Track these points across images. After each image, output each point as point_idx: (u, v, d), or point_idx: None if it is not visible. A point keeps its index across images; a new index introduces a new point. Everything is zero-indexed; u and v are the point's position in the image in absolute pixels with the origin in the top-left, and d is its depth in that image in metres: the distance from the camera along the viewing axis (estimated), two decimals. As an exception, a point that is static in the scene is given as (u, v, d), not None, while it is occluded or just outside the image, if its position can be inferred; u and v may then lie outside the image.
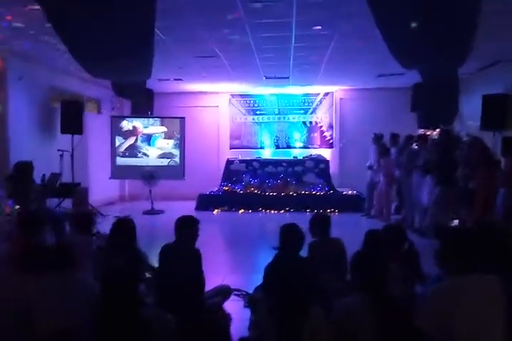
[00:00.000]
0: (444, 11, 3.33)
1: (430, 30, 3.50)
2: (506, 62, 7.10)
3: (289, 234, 3.00)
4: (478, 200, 5.41)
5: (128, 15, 3.59)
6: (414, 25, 3.44)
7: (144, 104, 9.83)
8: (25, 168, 5.70)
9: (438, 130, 8.09)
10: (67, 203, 6.89)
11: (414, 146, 7.33)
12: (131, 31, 3.81)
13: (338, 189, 9.60)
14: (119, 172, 9.69)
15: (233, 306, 3.36)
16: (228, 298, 3.23)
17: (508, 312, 1.92)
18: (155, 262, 3.33)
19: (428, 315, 1.90)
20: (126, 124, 9.76)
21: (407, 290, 2.58)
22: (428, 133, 8.26)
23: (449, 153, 6.09)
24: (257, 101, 10.93)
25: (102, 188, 9.41)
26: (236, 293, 3.68)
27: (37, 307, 2.38)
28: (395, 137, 7.97)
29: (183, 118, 9.83)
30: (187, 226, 3.10)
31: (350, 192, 9.46)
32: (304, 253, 3.13)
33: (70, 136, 7.78)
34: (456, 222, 5.96)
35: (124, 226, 3.24)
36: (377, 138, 8.25)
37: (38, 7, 4.01)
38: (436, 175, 6.15)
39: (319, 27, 5.31)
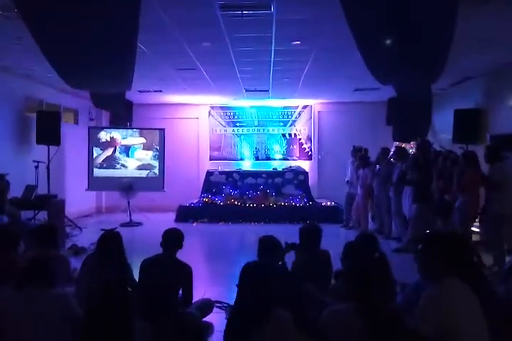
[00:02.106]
0: (419, 30, 3.49)
1: (405, 48, 3.64)
2: (477, 78, 7.40)
3: (267, 246, 3.05)
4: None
5: (110, 27, 3.61)
6: (390, 42, 3.58)
7: (123, 115, 9.76)
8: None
9: (413, 143, 8.32)
10: (43, 215, 6.73)
11: (391, 160, 7.50)
12: (113, 43, 3.82)
13: (316, 200, 9.70)
14: (96, 184, 9.54)
15: (215, 318, 3.35)
16: (211, 311, 3.22)
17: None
18: (135, 275, 3.31)
19: (428, 318, 1.97)
20: (104, 135, 9.66)
21: (389, 297, 2.65)
22: (403, 145, 8.47)
23: (425, 168, 6.23)
24: (237, 113, 11.01)
25: (78, 200, 9.24)
26: (218, 305, 3.67)
27: (10, 323, 2.33)
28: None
29: (163, 129, 9.81)
30: (176, 239, 3.14)
31: (328, 203, 9.57)
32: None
33: (46, 147, 7.65)
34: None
35: (112, 239, 3.21)
36: (356, 151, 8.41)
37: (15, 15, 3.99)
38: (412, 191, 6.30)
39: (298, 42, 5.45)
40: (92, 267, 3.15)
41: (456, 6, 3.18)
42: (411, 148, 8.39)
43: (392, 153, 7.69)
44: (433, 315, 1.96)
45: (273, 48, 5.71)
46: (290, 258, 3.34)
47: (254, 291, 2.14)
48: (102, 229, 3.39)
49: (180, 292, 3.13)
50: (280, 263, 3.09)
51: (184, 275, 3.11)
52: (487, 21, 4.48)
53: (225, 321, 2.92)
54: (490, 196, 5.16)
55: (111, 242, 3.20)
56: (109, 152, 9.66)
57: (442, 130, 8.38)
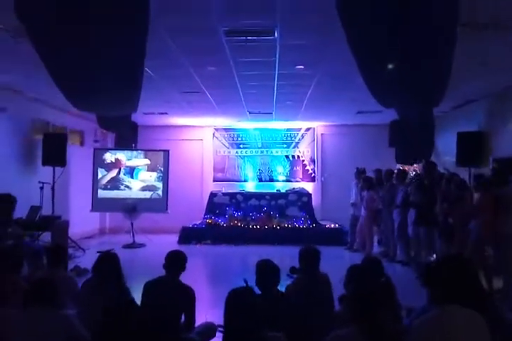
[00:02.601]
0: (419, 55, 3.57)
1: (406, 73, 3.71)
2: (480, 101, 7.47)
3: (264, 270, 3.03)
4: (457, 236, 5.54)
5: (119, 53, 3.71)
6: (391, 67, 3.65)
7: (128, 137, 9.87)
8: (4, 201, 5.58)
9: (415, 165, 8.33)
10: (47, 236, 6.72)
11: (393, 181, 7.50)
12: (121, 68, 3.91)
13: (320, 222, 9.65)
14: (100, 205, 9.55)
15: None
16: (214, 336, 3.17)
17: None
18: (136, 297, 3.27)
19: (429, 339, 1.95)
20: (109, 156, 9.75)
21: (395, 322, 2.61)
22: (406, 168, 8.48)
23: (430, 191, 6.21)
24: (241, 135, 11.11)
25: (82, 221, 9.23)
26: (220, 329, 3.60)
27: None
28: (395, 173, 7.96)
29: (167, 151, 9.89)
30: (179, 261, 3.13)
31: (332, 225, 9.51)
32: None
33: (52, 168, 7.71)
34: (434, 257, 6.03)
35: (109, 261, 3.19)
36: (360, 173, 8.42)
37: (25, 39, 4.10)
38: (417, 214, 6.27)
39: (301, 66, 5.56)
40: (90, 290, 3.12)
41: (455, 32, 3.26)
42: (413, 170, 8.40)
43: (394, 175, 7.70)
44: (435, 336, 1.94)
45: (277, 72, 5.83)
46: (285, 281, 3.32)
47: (244, 317, 2.12)
48: (98, 252, 3.37)
49: (183, 316, 3.09)
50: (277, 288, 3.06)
51: (187, 298, 3.08)
52: (487, 46, 4.57)
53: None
54: (498, 218, 5.13)
55: (108, 264, 3.16)
56: (113, 173, 9.72)
57: (446, 152, 8.40)
